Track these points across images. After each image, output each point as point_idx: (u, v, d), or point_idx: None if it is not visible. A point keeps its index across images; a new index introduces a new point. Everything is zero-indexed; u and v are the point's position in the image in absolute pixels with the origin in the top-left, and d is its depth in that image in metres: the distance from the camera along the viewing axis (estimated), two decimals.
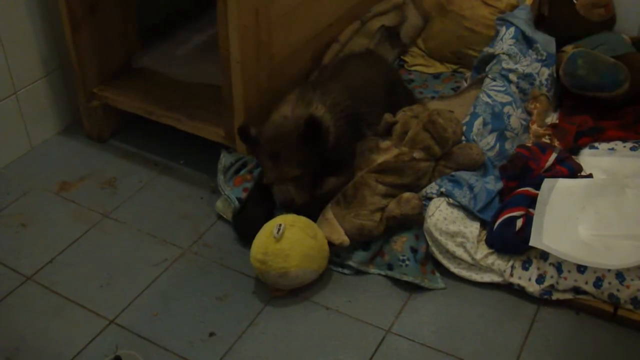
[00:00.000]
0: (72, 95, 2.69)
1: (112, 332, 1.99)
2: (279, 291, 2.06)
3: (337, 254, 2.14)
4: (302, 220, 2.08)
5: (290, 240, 2.01)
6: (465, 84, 2.67)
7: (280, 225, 2.02)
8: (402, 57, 2.95)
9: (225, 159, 2.38)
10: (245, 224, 2.20)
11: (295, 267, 2.00)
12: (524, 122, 2.44)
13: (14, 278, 2.14)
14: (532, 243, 2.01)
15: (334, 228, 2.09)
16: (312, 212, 2.14)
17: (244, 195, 2.28)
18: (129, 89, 2.62)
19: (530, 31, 2.58)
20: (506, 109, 2.38)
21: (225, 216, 2.32)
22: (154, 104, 2.52)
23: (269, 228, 2.04)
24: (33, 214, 2.38)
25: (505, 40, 2.55)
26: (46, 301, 2.08)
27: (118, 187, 2.48)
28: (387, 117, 2.28)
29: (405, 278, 2.08)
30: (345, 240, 2.08)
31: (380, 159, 2.21)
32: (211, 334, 1.98)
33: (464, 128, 2.28)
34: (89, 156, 2.63)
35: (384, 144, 2.25)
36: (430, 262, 2.12)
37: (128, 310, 2.04)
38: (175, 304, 2.06)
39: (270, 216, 2.16)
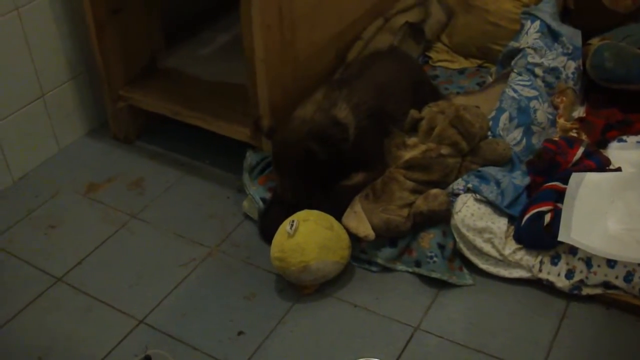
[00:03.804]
0: (99, 97, 2.70)
1: (142, 332, 2.00)
2: (307, 289, 2.07)
3: (363, 251, 2.14)
4: (315, 214, 2.09)
5: (305, 234, 2.02)
6: (490, 79, 2.66)
7: (293, 221, 2.03)
8: (426, 53, 2.94)
9: (251, 158, 2.38)
10: (270, 225, 2.19)
11: (314, 260, 2.00)
12: (550, 117, 2.42)
13: (44, 279, 2.16)
14: (560, 238, 2.00)
15: (361, 221, 2.09)
16: (339, 204, 2.15)
17: (268, 195, 2.28)
18: (155, 90, 2.63)
19: (555, 24, 2.56)
20: (532, 104, 2.37)
21: (252, 215, 2.33)
22: (179, 104, 2.53)
23: (284, 226, 2.06)
24: (61, 215, 2.40)
25: (531, 34, 2.53)
26: (76, 302, 2.09)
27: (145, 188, 2.50)
28: (413, 113, 2.28)
29: (433, 275, 2.07)
30: (371, 233, 2.07)
31: (408, 155, 2.20)
32: (240, 333, 1.98)
33: (490, 123, 2.28)
34: (116, 157, 2.65)
35: (411, 140, 2.25)
36: (458, 258, 2.11)
37: (157, 310, 2.06)
38: (203, 304, 2.07)
39: None
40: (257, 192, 2.30)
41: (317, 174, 2.13)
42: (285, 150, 2.16)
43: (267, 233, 2.22)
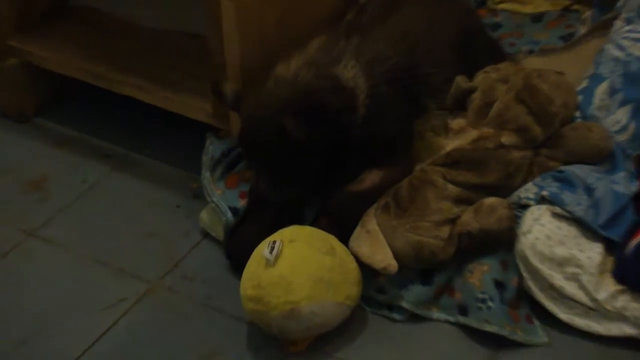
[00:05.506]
0: None
1: None
2: (296, 345, 2.08)
3: (382, 290, 2.16)
4: (307, 231, 2.12)
5: (292, 261, 2.02)
6: (582, 30, 2.69)
7: (274, 242, 2.04)
8: None
9: (213, 148, 2.41)
10: (242, 248, 2.21)
11: (306, 300, 1.99)
12: None
13: None
14: None
15: (378, 245, 2.11)
16: (345, 219, 2.18)
17: (241, 203, 2.31)
18: (65, 41, 2.66)
19: None
20: None
21: (214, 234, 2.35)
22: (103, 64, 2.56)
23: (261, 250, 2.06)
24: None
25: None
26: None
27: (50, 191, 2.53)
28: (461, 81, 2.30)
29: (487, 328, 2.09)
30: (393, 264, 2.09)
31: (451, 145, 2.23)
32: None
33: (580, 98, 2.30)
34: (4, 144, 2.69)
35: (456, 122, 2.28)
36: (525, 303, 2.13)
37: None
38: None
39: None
40: (223, 199, 2.32)
41: (303, 169, 2.15)
42: (251, 130, 2.18)
43: (238, 259, 2.23)
